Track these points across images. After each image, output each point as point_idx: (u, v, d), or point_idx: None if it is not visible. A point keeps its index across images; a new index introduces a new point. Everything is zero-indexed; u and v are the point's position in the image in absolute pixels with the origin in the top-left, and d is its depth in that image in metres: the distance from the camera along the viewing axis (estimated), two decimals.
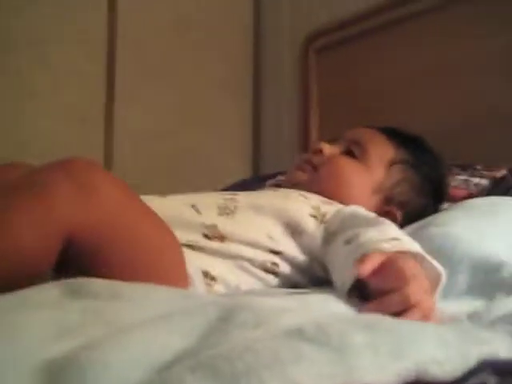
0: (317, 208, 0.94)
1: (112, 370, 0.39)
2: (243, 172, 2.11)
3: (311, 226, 0.91)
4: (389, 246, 0.69)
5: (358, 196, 1.00)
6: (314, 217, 0.92)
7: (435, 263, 0.69)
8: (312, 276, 0.92)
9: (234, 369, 0.33)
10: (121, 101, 1.86)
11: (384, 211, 1.03)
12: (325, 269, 0.85)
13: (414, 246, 0.72)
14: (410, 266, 0.62)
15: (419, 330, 0.42)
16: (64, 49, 1.77)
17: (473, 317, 0.63)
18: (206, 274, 0.83)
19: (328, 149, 1.10)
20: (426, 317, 0.58)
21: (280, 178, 1.63)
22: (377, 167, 1.08)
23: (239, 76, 2.18)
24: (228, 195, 0.96)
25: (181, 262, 0.78)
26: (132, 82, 1.89)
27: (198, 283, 0.82)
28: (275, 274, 0.88)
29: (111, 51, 1.86)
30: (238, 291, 0.84)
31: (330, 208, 0.95)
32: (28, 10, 1.71)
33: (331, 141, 1.15)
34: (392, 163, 1.09)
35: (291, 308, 0.53)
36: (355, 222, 0.86)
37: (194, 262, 0.82)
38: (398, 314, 0.57)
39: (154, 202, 0.88)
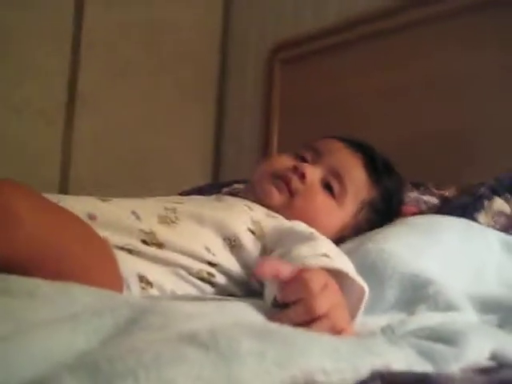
0: (257, 223, 0.96)
1: (9, 367, 0.40)
2: (203, 176, 2.12)
3: (249, 241, 0.93)
4: (315, 262, 0.70)
5: (323, 234, 0.95)
6: (252, 232, 0.94)
7: (358, 280, 0.71)
8: (249, 289, 0.93)
9: (113, 369, 0.34)
10: (82, 100, 1.86)
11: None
12: (261, 283, 0.86)
13: (340, 263, 0.73)
14: (318, 279, 0.63)
15: (313, 340, 0.44)
16: (27, 43, 1.76)
17: (386, 330, 0.65)
18: (141, 279, 0.84)
19: (309, 175, 1.07)
20: (335, 329, 0.59)
21: (236, 186, 1.64)
22: (349, 208, 1.09)
23: (204, 81, 2.20)
24: (171, 203, 0.96)
25: (112, 268, 0.79)
26: (95, 82, 1.89)
27: (133, 287, 0.82)
28: (211, 283, 0.89)
29: (76, 49, 1.86)
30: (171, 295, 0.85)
31: (271, 222, 0.97)
32: None
33: (313, 153, 1.12)
34: (363, 205, 1.11)
35: (205, 314, 0.54)
36: (291, 237, 0.87)
37: (130, 266, 0.83)
38: (307, 325, 0.58)
39: (94, 206, 0.88)
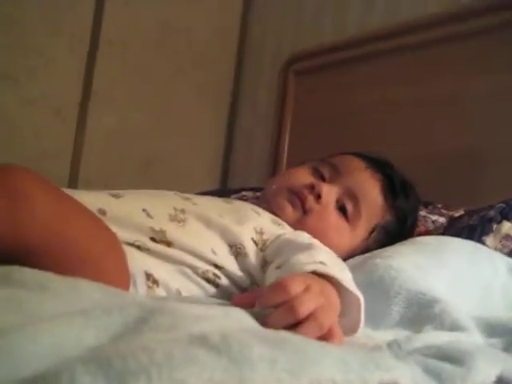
0: (260, 233, 0.96)
1: (15, 360, 0.40)
2: (211, 182, 2.12)
3: (252, 250, 0.93)
4: (310, 268, 0.71)
5: None
6: (255, 243, 0.95)
7: (353, 289, 0.71)
8: None
9: (126, 366, 0.34)
10: (97, 98, 1.87)
11: None
12: None
13: (335, 271, 0.73)
14: (297, 282, 0.62)
15: (323, 350, 0.44)
16: (46, 39, 1.77)
17: (392, 345, 0.64)
18: (148, 277, 0.84)
19: (325, 196, 1.07)
20: (322, 329, 0.58)
21: (245, 193, 1.64)
22: (361, 230, 1.10)
23: (218, 87, 2.21)
24: (181, 202, 0.97)
25: (120, 262, 0.79)
26: (110, 81, 1.90)
27: (140, 284, 0.83)
28: (216, 284, 0.90)
29: (93, 47, 1.87)
30: (176, 296, 0.85)
31: (275, 232, 0.97)
32: None
33: (331, 169, 1.12)
34: (375, 228, 1.11)
35: (213, 317, 0.54)
36: (289, 247, 0.88)
37: (138, 263, 0.83)
38: (294, 327, 0.58)
39: (105, 202, 0.89)
